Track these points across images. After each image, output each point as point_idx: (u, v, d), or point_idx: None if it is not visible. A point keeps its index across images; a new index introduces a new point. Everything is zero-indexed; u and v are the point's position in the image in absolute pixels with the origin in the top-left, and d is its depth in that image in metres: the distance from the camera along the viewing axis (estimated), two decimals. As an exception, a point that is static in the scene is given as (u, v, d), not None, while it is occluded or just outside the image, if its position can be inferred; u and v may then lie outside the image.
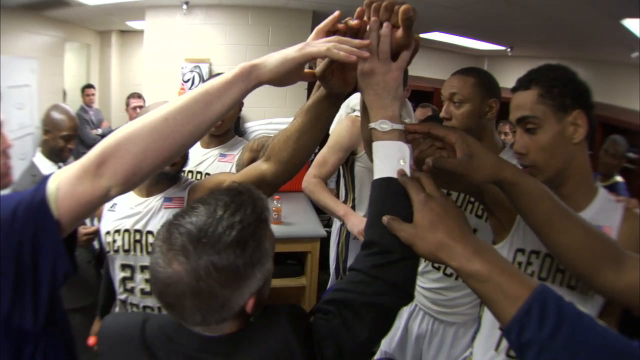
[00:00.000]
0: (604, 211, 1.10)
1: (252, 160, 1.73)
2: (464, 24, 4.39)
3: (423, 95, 6.73)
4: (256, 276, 0.77)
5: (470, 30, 4.85)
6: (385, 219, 0.81)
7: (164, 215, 1.47)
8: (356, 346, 0.80)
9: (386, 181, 0.84)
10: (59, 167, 2.48)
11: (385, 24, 0.86)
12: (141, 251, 1.47)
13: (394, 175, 0.83)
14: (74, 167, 0.83)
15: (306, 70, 0.93)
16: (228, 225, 0.75)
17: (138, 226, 1.47)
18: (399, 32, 0.86)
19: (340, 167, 2.42)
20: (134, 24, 5.73)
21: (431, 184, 0.84)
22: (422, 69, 6.16)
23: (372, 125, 0.87)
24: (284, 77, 0.88)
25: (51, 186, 0.81)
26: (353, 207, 2.40)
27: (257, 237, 0.77)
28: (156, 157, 0.83)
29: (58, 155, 2.45)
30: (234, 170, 1.96)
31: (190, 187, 1.52)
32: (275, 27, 4.55)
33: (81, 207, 0.82)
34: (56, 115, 2.43)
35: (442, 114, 1.77)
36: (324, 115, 1.09)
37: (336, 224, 2.55)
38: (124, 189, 0.84)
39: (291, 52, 0.87)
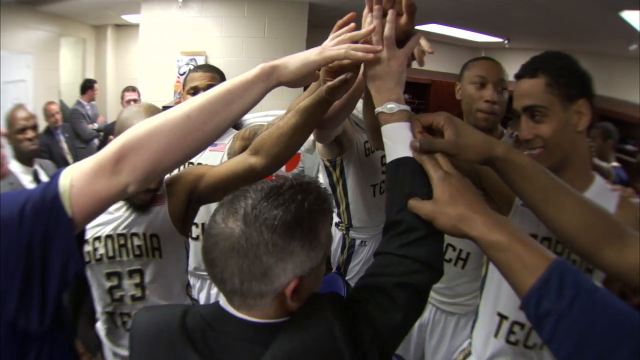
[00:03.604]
0: (600, 198, 1.09)
1: (244, 148, 1.68)
2: (461, 16, 4.37)
3: (420, 87, 6.73)
4: (301, 257, 0.75)
5: (468, 22, 4.84)
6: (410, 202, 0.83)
7: (151, 214, 1.40)
8: (392, 329, 0.80)
9: (403, 161, 0.86)
10: (34, 171, 2.44)
11: (390, 11, 0.89)
12: (127, 255, 1.39)
13: (409, 154, 0.86)
14: (88, 162, 0.80)
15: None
16: (290, 198, 0.75)
17: (121, 230, 1.39)
18: (403, 19, 0.90)
19: (327, 177, 2.29)
20: (129, 18, 5.70)
21: (447, 162, 0.86)
22: (419, 61, 6.14)
23: (379, 109, 0.89)
24: (303, 78, 0.92)
25: (64, 182, 0.78)
26: (348, 216, 2.31)
27: (314, 220, 0.76)
28: (177, 154, 0.83)
29: (24, 154, 2.40)
30: (225, 158, 1.92)
31: (167, 181, 1.44)
32: (271, 20, 4.53)
33: (96, 203, 0.80)
34: (8, 115, 2.42)
35: (489, 102, 1.68)
36: (319, 117, 1.16)
37: (337, 233, 2.49)
38: (141, 186, 0.83)
39: (312, 55, 0.92)
